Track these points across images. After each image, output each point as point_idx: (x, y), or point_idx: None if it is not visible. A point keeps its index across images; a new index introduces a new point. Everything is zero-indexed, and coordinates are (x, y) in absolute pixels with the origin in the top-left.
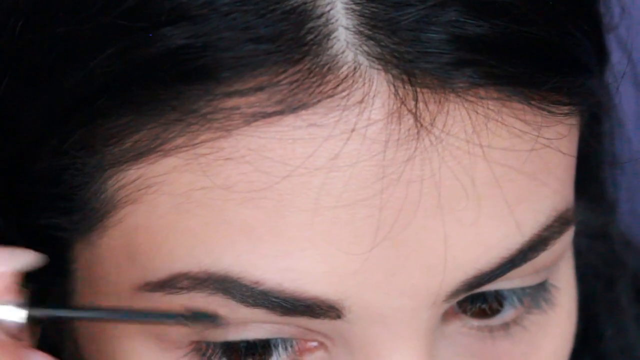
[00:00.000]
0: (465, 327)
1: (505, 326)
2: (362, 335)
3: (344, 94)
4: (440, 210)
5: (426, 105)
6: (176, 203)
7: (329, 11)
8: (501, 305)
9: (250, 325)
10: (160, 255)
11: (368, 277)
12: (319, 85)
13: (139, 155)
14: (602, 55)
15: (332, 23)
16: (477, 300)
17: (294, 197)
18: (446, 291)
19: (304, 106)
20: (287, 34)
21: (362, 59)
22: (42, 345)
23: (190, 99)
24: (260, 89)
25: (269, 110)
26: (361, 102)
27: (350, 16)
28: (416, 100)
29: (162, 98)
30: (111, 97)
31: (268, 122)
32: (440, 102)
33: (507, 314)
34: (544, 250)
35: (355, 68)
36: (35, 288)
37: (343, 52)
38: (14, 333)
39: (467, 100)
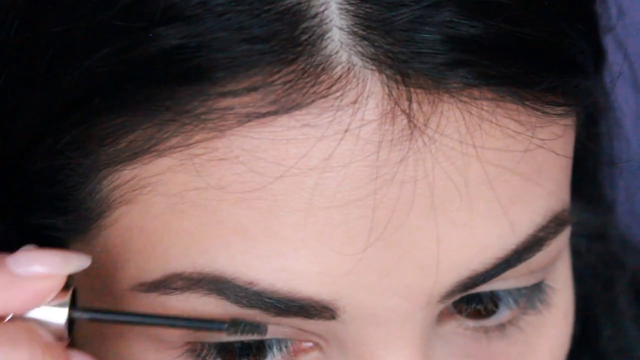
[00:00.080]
0: (461, 328)
1: (501, 327)
2: (357, 335)
3: (338, 94)
4: (434, 210)
5: (420, 105)
6: (170, 203)
7: (323, 11)
8: (496, 306)
9: None
10: (155, 256)
11: (362, 278)
12: (313, 85)
13: (134, 155)
14: (598, 55)
15: (326, 23)
16: (473, 301)
17: (287, 197)
18: (440, 292)
19: (297, 106)
20: (281, 34)
21: (356, 59)
22: None
23: (185, 99)
24: (254, 89)
25: (263, 110)
26: (355, 102)
27: (344, 16)
28: (410, 101)
29: (156, 98)
30: (106, 97)
31: (262, 122)
32: (434, 102)
33: (503, 314)
34: (539, 250)
35: (349, 68)
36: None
37: (337, 53)
38: (58, 334)
39: (461, 100)
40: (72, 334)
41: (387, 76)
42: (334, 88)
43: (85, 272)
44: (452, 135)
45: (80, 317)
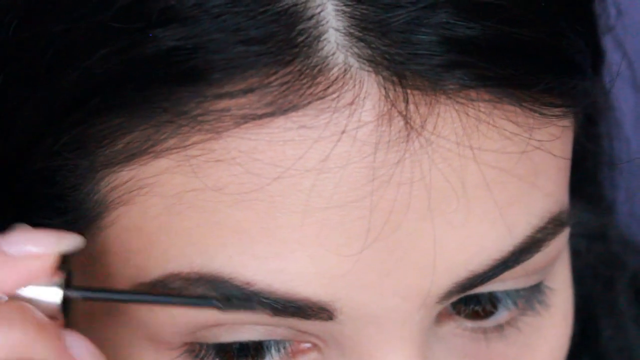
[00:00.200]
0: (459, 329)
1: (500, 328)
2: (355, 336)
3: (335, 95)
4: (431, 212)
5: (417, 107)
6: (168, 204)
7: (319, 13)
8: (495, 307)
9: (244, 326)
10: (153, 256)
11: (359, 279)
12: (310, 87)
13: (131, 156)
14: (597, 56)
15: (323, 25)
16: (471, 302)
17: (284, 198)
18: (438, 292)
19: (294, 108)
20: (277, 36)
21: (352, 60)
22: None
23: (181, 101)
24: (250, 90)
25: (260, 112)
26: (351, 104)
27: (340, 18)
28: (407, 102)
29: (153, 99)
30: (103, 98)
31: (258, 124)
32: (430, 104)
33: (501, 315)
34: (537, 252)
35: (345, 70)
36: (70, 270)
37: (333, 54)
38: (52, 314)
39: (457, 102)
40: (69, 315)
41: (383, 78)
42: (330, 89)
43: (83, 273)
44: (449, 137)
45: (75, 297)
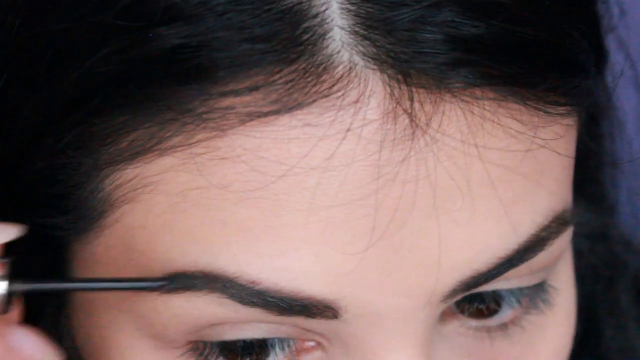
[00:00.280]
0: (463, 328)
1: (503, 327)
2: (359, 335)
3: (340, 93)
4: (436, 210)
5: (422, 105)
6: (172, 202)
7: (324, 11)
8: (499, 305)
9: (248, 325)
10: (157, 255)
11: (364, 277)
12: (315, 85)
13: (135, 154)
14: (600, 55)
15: (328, 23)
16: (475, 300)
17: (289, 196)
18: (443, 291)
19: (299, 106)
20: (282, 34)
21: (357, 58)
22: None
23: (186, 99)
24: (255, 88)
25: (265, 109)
26: (356, 102)
27: (345, 16)
28: (412, 101)
29: (157, 97)
30: (107, 96)
31: (263, 121)
32: (435, 102)
33: (505, 314)
34: (541, 250)
35: (350, 68)
36: (16, 260)
37: (338, 52)
38: None
39: (462, 100)
40: (14, 308)
41: (388, 76)
42: (335, 87)
43: (86, 272)
44: (454, 135)
45: (19, 290)
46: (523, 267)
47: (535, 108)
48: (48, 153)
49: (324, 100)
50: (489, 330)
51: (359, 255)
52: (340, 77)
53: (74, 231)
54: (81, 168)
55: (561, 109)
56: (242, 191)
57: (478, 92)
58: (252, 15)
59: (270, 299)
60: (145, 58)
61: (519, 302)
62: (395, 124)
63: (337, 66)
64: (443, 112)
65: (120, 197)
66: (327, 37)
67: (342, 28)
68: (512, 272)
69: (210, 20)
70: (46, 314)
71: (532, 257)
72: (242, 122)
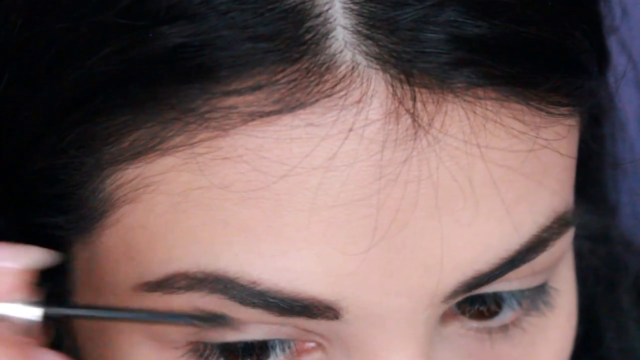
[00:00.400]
0: (464, 329)
1: (504, 328)
2: (360, 336)
3: (342, 93)
4: (438, 210)
5: (424, 105)
6: (174, 202)
7: (327, 10)
8: (500, 307)
9: (248, 326)
10: (158, 255)
11: (365, 278)
12: (317, 84)
13: (137, 154)
14: (602, 56)
15: (331, 22)
16: (476, 302)
17: (291, 196)
18: (444, 292)
19: (301, 105)
20: (285, 33)
21: (360, 58)
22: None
23: (188, 98)
24: (258, 88)
25: (267, 109)
26: (359, 101)
27: (348, 15)
28: (414, 100)
29: (160, 97)
30: (109, 95)
31: (266, 121)
32: (438, 102)
33: (506, 315)
34: (543, 251)
35: (353, 67)
36: (50, 287)
37: (341, 52)
38: (25, 331)
39: (465, 100)
40: (54, 331)
41: (391, 75)
42: (338, 87)
43: (87, 271)
44: (456, 135)
45: (54, 315)
46: (524, 268)
47: (538, 108)
48: (49, 153)
49: (326, 100)
50: (489, 331)
51: (360, 255)
52: (343, 77)
53: (74, 231)
54: (82, 168)
55: (563, 110)
56: (243, 191)
57: (480, 92)
58: (255, 14)
59: (271, 300)
60: (148, 57)
61: (519, 304)
62: (398, 124)
63: (340, 66)
64: (445, 112)
65: (121, 197)
66: (330, 36)
67: (345, 27)
68: (513, 273)
69: (213, 19)
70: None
71: (533, 258)
72: (244, 121)
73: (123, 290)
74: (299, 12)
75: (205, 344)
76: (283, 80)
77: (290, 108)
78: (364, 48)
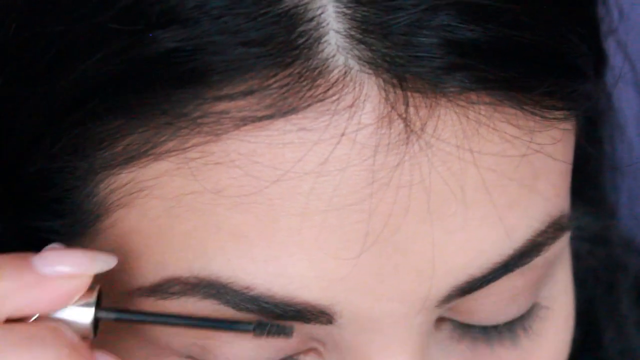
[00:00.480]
0: (458, 332)
1: (499, 331)
2: (354, 340)
3: (335, 98)
4: (430, 215)
5: (417, 110)
6: (167, 207)
7: (320, 15)
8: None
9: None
10: (152, 260)
11: (358, 282)
12: (310, 89)
13: (130, 159)
14: (599, 58)
15: (323, 27)
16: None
17: (283, 201)
18: (437, 296)
19: (294, 110)
20: (277, 38)
21: (352, 63)
22: None
23: (181, 103)
24: (250, 92)
25: (259, 114)
26: (351, 106)
27: (341, 20)
28: (407, 105)
29: (152, 101)
30: (102, 100)
31: (258, 126)
32: (431, 106)
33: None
34: (537, 255)
35: (345, 72)
36: (100, 290)
37: (334, 56)
38: (83, 334)
39: (458, 105)
40: (97, 334)
41: (384, 80)
42: (330, 92)
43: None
44: (449, 140)
45: (105, 318)
46: (518, 275)
47: (532, 112)
48: (44, 156)
49: (318, 104)
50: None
51: (353, 260)
52: (336, 82)
53: (70, 235)
54: (76, 172)
55: (558, 114)
56: (236, 196)
57: (474, 96)
58: (248, 18)
59: (264, 305)
60: (141, 61)
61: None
62: (390, 128)
63: (333, 70)
64: (438, 117)
65: (115, 202)
66: (322, 41)
67: (337, 32)
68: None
69: (205, 24)
70: None
71: (528, 262)
72: (237, 126)
73: (117, 295)
74: (292, 17)
75: None
76: (275, 85)
77: (283, 113)
78: (356, 52)
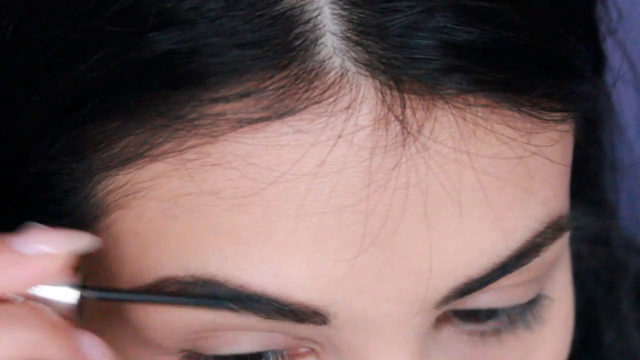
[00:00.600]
0: (457, 333)
1: (498, 332)
2: (351, 341)
3: (331, 99)
4: (427, 217)
5: (413, 111)
6: (164, 208)
7: (316, 17)
8: (493, 313)
9: (241, 337)
10: (149, 260)
11: (355, 284)
12: (306, 91)
13: (127, 160)
14: (599, 59)
15: (320, 29)
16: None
17: (280, 203)
18: (435, 297)
19: (290, 112)
20: (274, 40)
21: (349, 64)
22: None
23: (177, 105)
24: (246, 94)
25: (256, 116)
26: (348, 108)
27: (337, 22)
28: (403, 107)
29: (149, 103)
30: (100, 102)
31: (254, 128)
32: (428, 108)
33: (500, 320)
34: (536, 256)
35: (342, 74)
36: (85, 270)
37: (330, 58)
38: (66, 314)
39: (455, 106)
40: (83, 315)
41: (380, 82)
42: (327, 94)
43: (81, 276)
44: (445, 142)
45: (89, 297)
46: (516, 275)
47: (530, 114)
48: (42, 158)
49: (315, 106)
50: (483, 335)
51: (349, 261)
52: (332, 83)
53: None
54: (74, 173)
55: (556, 115)
56: (233, 197)
57: (471, 98)
58: (244, 20)
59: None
60: (138, 63)
61: (510, 320)
62: (387, 130)
63: (329, 72)
64: (435, 119)
65: (112, 203)
66: (319, 43)
67: (334, 34)
68: (506, 280)
69: (202, 26)
70: None
71: (526, 263)
72: (233, 128)
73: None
74: (288, 19)
75: (199, 355)
76: (271, 87)
77: (279, 115)
78: (353, 54)
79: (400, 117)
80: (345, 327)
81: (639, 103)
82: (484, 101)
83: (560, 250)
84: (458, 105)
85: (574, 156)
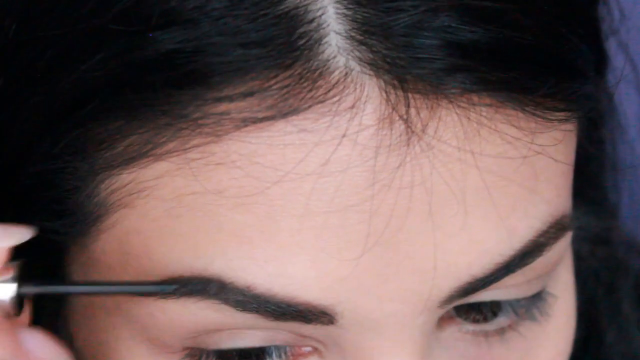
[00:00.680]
0: (461, 332)
1: (501, 331)
2: (355, 340)
3: (335, 99)
4: (431, 216)
5: (418, 111)
6: (168, 207)
7: (320, 16)
8: (495, 314)
9: (244, 333)
10: (153, 260)
11: (359, 283)
12: (310, 90)
13: (131, 159)
14: (601, 59)
15: (324, 28)
16: (472, 309)
17: (285, 202)
18: (439, 297)
19: (294, 111)
20: (278, 39)
21: (353, 64)
22: None
23: (181, 104)
24: (250, 94)
25: (260, 115)
26: (352, 107)
27: (341, 21)
28: (408, 106)
29: (152, 103)
30: (102, 101)
31: (259, 127)
32: (432, 108)
33: (503, 319)
34: (539, 255)
35: (346, 73)
36: (24, 263)
37: (334, 57)
38: (8, 311)
39: (459, 106)
40: (24, 310)
41: (385, 81)
42: (331, 93)
43: (84, 276)
44: (450, 141)
45: (28, 292)
46: (521, 274)
47: (533, 114)
48: (45, 157)
49: (319, 105)
50: (486, 334)
51: (354, 261)
52: (336, 83)
53: (71, 236)
54: (77, 172)
55: (560, 115)
56: (237, 197)
57: (475, 97)
58: (248, 20)
59: (265, 304)
60: (141, 63)
61: (515, 313)
62: (391, 129)
63: (333, 71)
64: (439, 118)
65: (116, 202)
66: (323, 42)
67: (338, 33)
68: (509, 279)
69: (206, 25)
70: (44, 316)
71: (530, 262)
72: (237, 127)
73: (118, 295)
74: (292, 18)
75: (202, 350)
76: (276, 86)
77: (283, 114)
78: (357, 54)
79: (405, 117)
80: (351, 327)
81: None
82: (488, 101)
83: (563, 249)
84: (462, 104)
85: (576, 156)
